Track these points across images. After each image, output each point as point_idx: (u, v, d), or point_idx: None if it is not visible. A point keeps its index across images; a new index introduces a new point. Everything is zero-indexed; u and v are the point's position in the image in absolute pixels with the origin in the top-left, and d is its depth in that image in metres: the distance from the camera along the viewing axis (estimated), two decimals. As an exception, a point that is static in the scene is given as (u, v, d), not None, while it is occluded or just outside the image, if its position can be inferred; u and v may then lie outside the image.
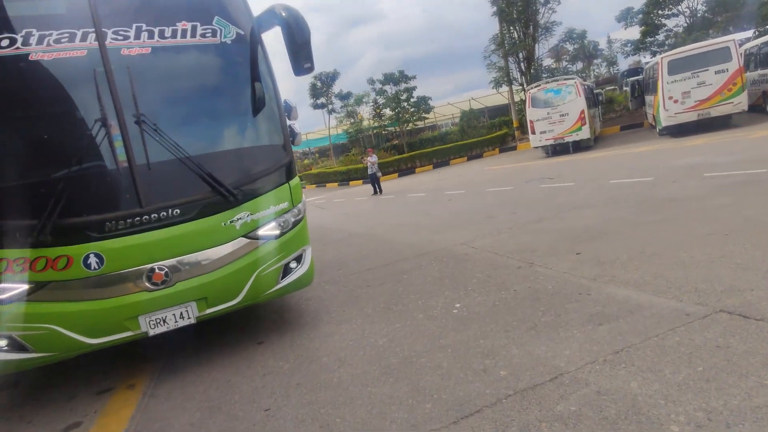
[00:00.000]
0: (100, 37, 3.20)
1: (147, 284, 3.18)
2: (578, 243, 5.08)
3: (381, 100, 28.52)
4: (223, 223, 3.39)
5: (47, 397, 3.48)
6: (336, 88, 30.51)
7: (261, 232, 3.57)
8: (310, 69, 3.66)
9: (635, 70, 25.06)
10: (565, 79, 17.08)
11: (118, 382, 3.52)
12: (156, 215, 3.17)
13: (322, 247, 7.93)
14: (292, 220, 3.77)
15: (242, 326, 4.34)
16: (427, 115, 31.26)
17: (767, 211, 4.81)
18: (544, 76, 22.83)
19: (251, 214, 3.51)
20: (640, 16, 22.32)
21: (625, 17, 22.80)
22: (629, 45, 28.44)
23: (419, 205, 11.12)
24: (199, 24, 3.60)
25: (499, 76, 23.41)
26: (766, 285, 3.12)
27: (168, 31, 3.49)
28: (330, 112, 31.38)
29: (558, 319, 3.23)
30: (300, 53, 3.59)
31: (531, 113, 17.22)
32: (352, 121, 30.94)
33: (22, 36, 3.11)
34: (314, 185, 26.86)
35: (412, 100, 27.89)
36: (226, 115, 3.77)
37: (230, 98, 3.78)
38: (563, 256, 4.72)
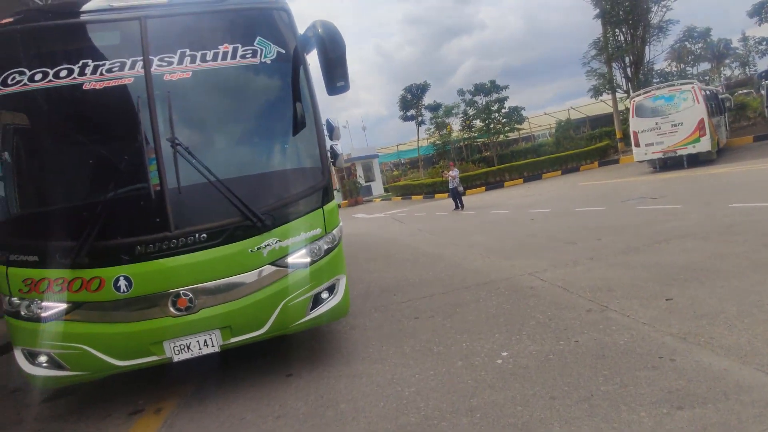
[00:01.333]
0: (147, 65, 3.27)
1: (172, 309, 3.15)
2: (672, 285, 4.22)
3: (471, 111, 27.81)
4: (249, 250, 3.26)
5: (87, 413, 3.60)
6: (428, 99, 30.40)
7: (290, 259, 3.38)
8: (344, 88, 3.44)
9: (771, 72, 21.46)
10: (681, 84, 15.11)
11: (151, 405, 3.53)
12: (183, 240, 3.13)
13: (386, 265, 7.67)
14: (325, 247, 3.54)
15: (276, 353, 4.19)
16: (520, 126, 29.88)
17: None
18: (655, 81, 20.49)
19: (280, 241, 3.34)
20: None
21: (759, 11, 19.57)
22: (764, 43, 24.52)
23: (497, 225, 10.40)
24: (240, 45, 3.55)
25: (599, 83, 21.44)
26: None
27: (209, 55, 3.48)
28: (420, 123, 31.31)
29: (623, 390, 2.59)
30: (333, 71, 3.39)
31: (635, 123, 15.47)
32: (442, 132, 30.55)
33: (78, 66, 3.28)
34: (400, 197, 26.82)
35: (503, 110, 26.81)
36: (259, 137, 3.68)
37: (265, 120, 3.69)
38: (648, 301, 3.92)
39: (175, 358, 3.22)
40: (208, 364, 3.97)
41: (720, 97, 17.99)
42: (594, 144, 23.93)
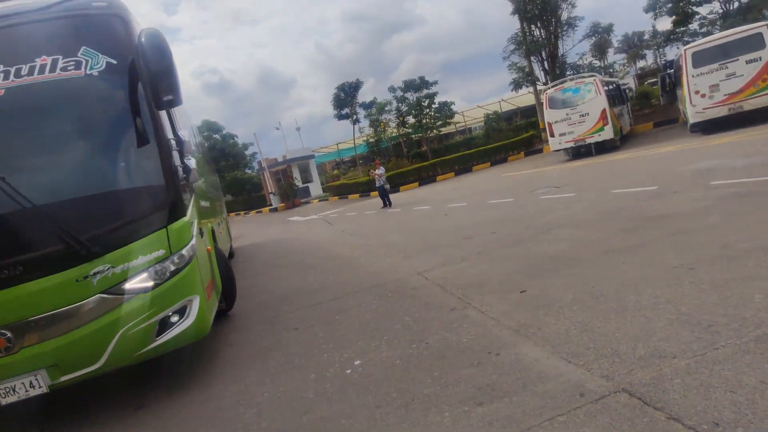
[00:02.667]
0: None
1: (-11, 352, 2.94)
2: (534, 276, 4.45)
3: (404, 108, 28.10)
4: (75, 279, 3.09)
5: None
6: (369, 96, 30.40)
7: (128, 285, 3.23)
8: (174, 102, 3.30)
9: (671, 63, 23.21)
10: (585, 77, 15.99)
11: None
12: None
13: (295, 272, 7.60)
14: (171, 268, 3.41)
15: (131, 382, 4.00)
16: (452, 120, 30.55)
17: (751, 235, 4.01)
18: (568, 73, 21.59)
19: (113, 267, 3.19)
20: (670, 5, 20.59)
21: (654, 7, 21.10)
22: (659, 36, 26.46)
23: (415, 221, 10.58)
24: (61, 57, 3.35)
25: (518, 77, 22.31)
26: (694, 350, 2.45)
27: (25, 69, 3.26)
28: (355, 122, 31.28)
29: (442, 391, 2.69)
30: (158, 84, 3.23)
31: (549, 115, 16.23)
32: (377, 129, 30.69)
33: None
34: (337, 197, 26.72)
35: (434, 106, 27.30)
36: (88, 156, 3.45)
37: (93, 137, 3.47)
38: (507, 294, 4.11)
39: (3, 402, 3.01)
40: (57, 401, 3.77)
41: (622, 87, 19.25)
42: (520, 135, 24.89)
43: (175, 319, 3.46)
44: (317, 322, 4.61)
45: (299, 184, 31.82)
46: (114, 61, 3.46)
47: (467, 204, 11.12)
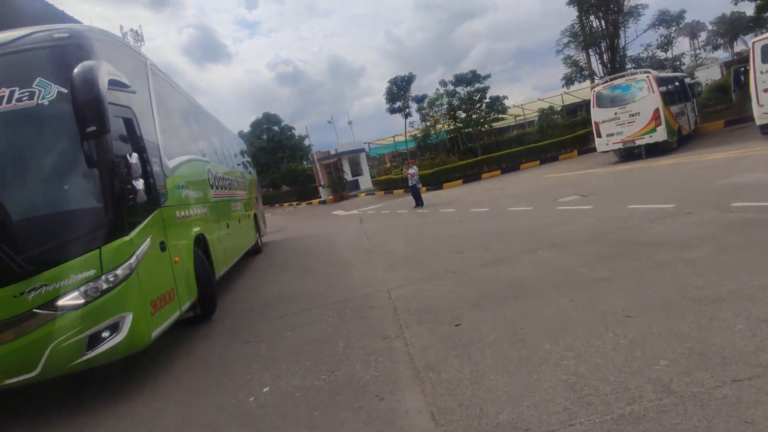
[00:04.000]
0: None
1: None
2: (480, 306, 4.25)
3: (455, 102, 27.49)
4: (13, 296, 3.41)
5: None
6: (431, 88, 30.14)
7: (59, 302, 3.49)
8: (96, 134, 3.49)
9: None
10: (637, 73, 14.74)
11: None
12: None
13: (292, 277, 7.79)
14: (103, 287, 3.63)
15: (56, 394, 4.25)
16: (506, 115, 29.50)
17: (719, 279, 3.56)
18: (628, 67, 19.97)
19: (47, 285, 3.46)
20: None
21: (735, -10, 18.80)
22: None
23: (428, 227, 10.41)
24: (18, 89, 3.67)
25: (571, 71, 20.94)
26: (550, 424, 2.23)
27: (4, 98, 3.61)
28: (406, 115, 31.10)
29: (304, 435, 2.67)
30: (81, 114, 3.43)
31: (596, 114, 15.19)
32: (428, 124, 30.35)
33: None
34: (383, 192, 26.83)
35: (485, 100, 26.47)
36: (29, 181, 3.73)
37: (36, 163, 3.74)
38: (442, 325, 3.96)
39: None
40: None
41: (688, 82, 17.48)
42: (575, 132, 23.50)
43: (106, 334, 3.67)
44: (269, 336, 4.71)
45: (348, 177, 32.35)
46: (65, 90, 3.72)
47: (488, 210, 10.75)
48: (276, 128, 42.62)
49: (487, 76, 26.44)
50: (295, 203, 34.74)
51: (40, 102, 3.68)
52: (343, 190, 30.09)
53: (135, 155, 4.08)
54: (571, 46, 21.24)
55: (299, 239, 13.66)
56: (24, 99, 3.66)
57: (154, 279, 4.30)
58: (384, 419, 2.66)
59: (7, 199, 3.59)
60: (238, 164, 12.20)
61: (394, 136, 41.44)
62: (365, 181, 32.75)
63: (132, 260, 3.90)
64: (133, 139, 4.49)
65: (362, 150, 33.88)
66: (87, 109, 3.44)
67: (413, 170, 15.54)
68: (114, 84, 4.17)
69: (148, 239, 4.30)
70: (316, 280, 7.03)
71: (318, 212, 24.18)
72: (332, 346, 4.05)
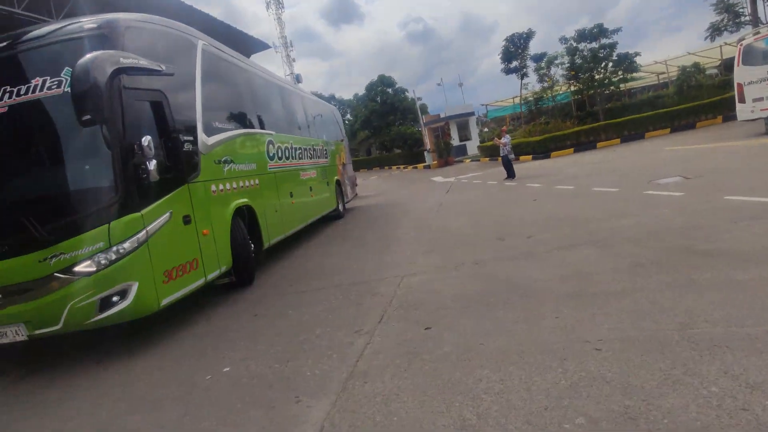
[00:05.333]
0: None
1: (-14, 305, 4.11)
2: (467, 309, 3.90)
3: (577, 61, 24.60)
4: (38, 261, 4.02)
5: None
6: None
7: (76, 269, 4.03)
8: (91, 122, 3.83)
9: None
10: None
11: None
12: (-13, 250, 4.03)
13: (344, 249, 8.04)
14: (112, 257, 4.10)
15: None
16: (640, 75, 25.66)
17: (738, 319, 2.73)
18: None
19: (65, 253, 4.02)
20: None
21: None
22: None
23: (500, 204, 9.77)
24: (48, 78, 4.19)
25: (722, 19, 17.05)
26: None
27: (23, 89, 4.20)
28: (523, 76, 28.83)
29: (216, 428, 2.77)
30: (79, 105, 3.78)
31: (740, 73, 12.45)
32: (544, 85, 27.83)
33: None
34: (487, 158, 25.63)
35: (612, 58, 23.22)
36: (55, 162, 4.31)
37: (61, 146, 4.30)
38: (415, 326, 3.72)
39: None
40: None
41: None
42: (724, 93, 19.53)
43: (116, 299, 4.17)
44: (273, 313, 4.91)
45: (456, 141, 31.47)
46: (87, 78, 4.16)
47: (571, 189, 9.66)
48: (390, 90, 42.89)
49: (617, 30, 23.06)
50: (402, 167, 35.07)
51: (66, 90, 4.14)
52: (448, 156, 29.47)
53: (147, 138, 4.38)
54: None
55: (381, 207, 13.84)
56: (53, 87, 4.16)
57: (171, 250, 4.71)
58: (279, 427, 2.64)
59: (33, 177, 4.22)
60: (323, 133, 12.60)
61: (513, 98, 38.95)
62: (473, 147, 31.58)
63: (140, 234, 4.30)
64: (160, 120, 4.86)
65: (471, 114, 32.55)
66: (81, 99, 3.78)
67: (506, 139, 14.52)
68: (136, 70, 4.51)
69: (167, 214, 4.69)
70: (356, 256, 7.11)
71: (418, 177, 24.15)
72: (309, 332, 4.08)
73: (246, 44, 14.27)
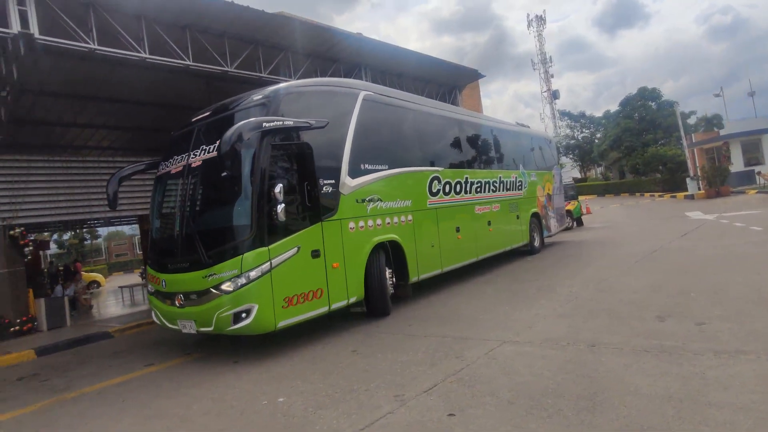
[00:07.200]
0: (188, 159, 5.89)
1: (176, 303, 5.67)
2: (530, 411, 3.22)
3: None
4: (203, 277, 5.30)
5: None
6: None
7: (222, 287, 5.15)
8: (228, 176, 5.12)
9: None
10: None
11: (158, 360, 6.18)
12: (179, 266, 5.59)
13: (491, 295, 7.54)
14: (241, 282, 5.08)
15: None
16: None
17: None
18: None
19: (215, 274, 5.20)
20: None
21: None
22: None
23: (739, 263, 7.29)
24: (221, 140, 5.52)
25: None
26: None
27: (209, 149, 5.67)
28: None
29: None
30: (220, 162, 4.88)
31: None
32: None
33: (162, 162, 6.32)
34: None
35: None
36: (217, 204, 5.77)
37: (221, 192, 5.63)
38: (444, 408, 3.32)
39: (183, 331, 5.72)
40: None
41: None
42: None
43: (243, 315, 5.13)
44: (371, 352, 5.02)
45: (737, 167, 24.67)
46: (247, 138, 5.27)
47: None
48: (653, 104, 36.99)
49: None
50: (658, 195, 29.58)
51: (224, 150, 5.34)
52: (722, 184, 23.35)
53: (279, 186, 5.24)
54: None
55: (586, 245, 12.28)
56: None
57: (295, 280, 5.47)
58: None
59: (204, 215, 5.64)
60: (521, 164, 11.99)
61: None
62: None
63: (264, 265, 5.17)
64: (301, 168, 5.71)
65: (765, 131, 24.91)
66: (222, 159, 4.84)
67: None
68: (280, 130, 5.47)
69: (294, 249, 5.50)
70: (495, 305, 6.62)
71: (670, 209, 20.04)
72: (362, 383, 4.08)
73: (457, 74, 14.86)
